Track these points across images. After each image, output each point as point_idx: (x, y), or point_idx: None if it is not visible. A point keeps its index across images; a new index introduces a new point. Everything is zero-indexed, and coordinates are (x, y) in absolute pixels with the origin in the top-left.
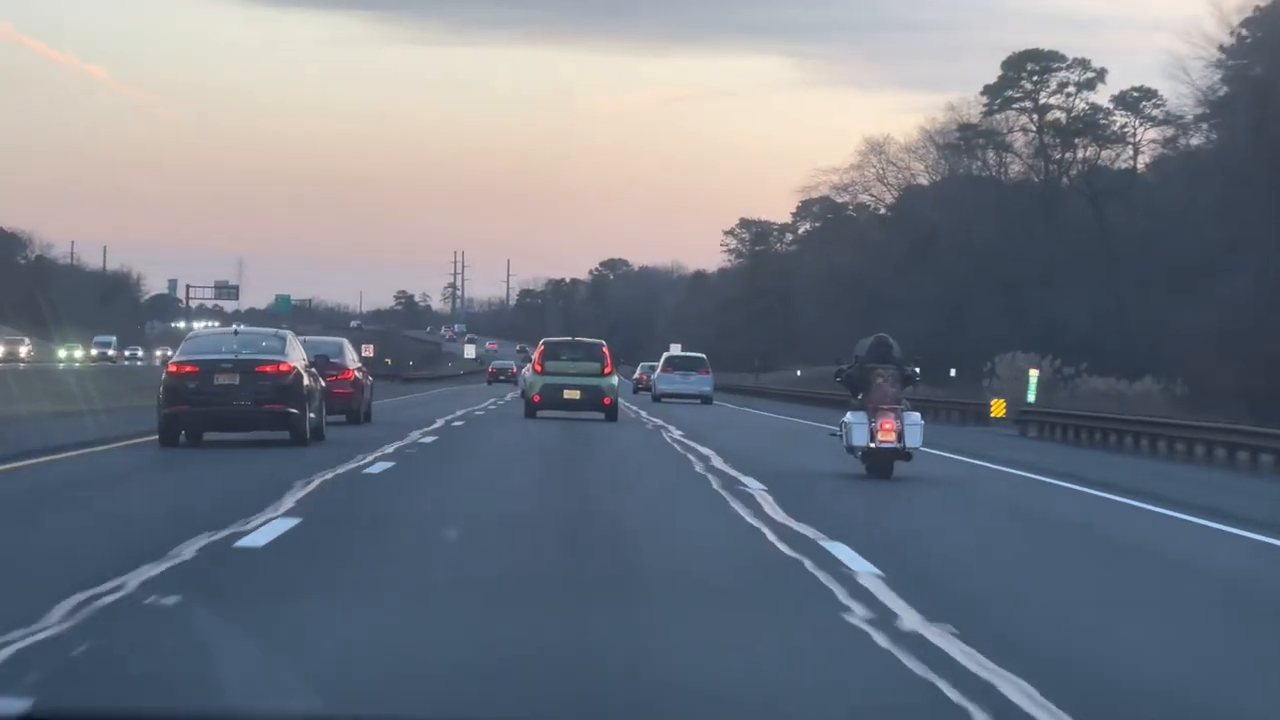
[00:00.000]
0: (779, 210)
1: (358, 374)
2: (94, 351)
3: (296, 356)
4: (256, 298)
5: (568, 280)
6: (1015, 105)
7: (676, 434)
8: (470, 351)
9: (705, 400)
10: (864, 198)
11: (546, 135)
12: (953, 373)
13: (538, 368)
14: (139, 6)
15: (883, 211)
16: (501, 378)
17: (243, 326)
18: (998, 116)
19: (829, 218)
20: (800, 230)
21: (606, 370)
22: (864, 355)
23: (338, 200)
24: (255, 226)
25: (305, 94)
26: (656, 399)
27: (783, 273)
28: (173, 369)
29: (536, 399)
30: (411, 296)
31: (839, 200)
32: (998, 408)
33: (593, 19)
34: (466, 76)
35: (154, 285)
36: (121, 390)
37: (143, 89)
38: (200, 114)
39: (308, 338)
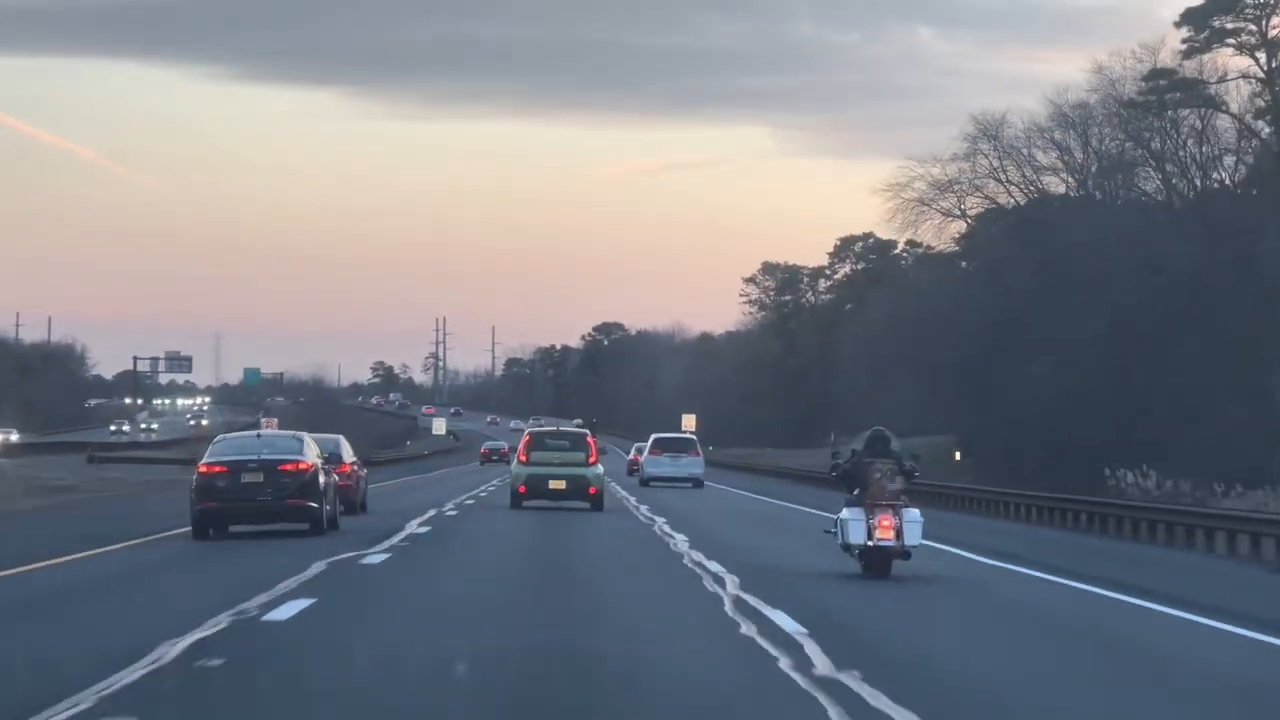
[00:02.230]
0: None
1: (354, 467)
2: None
3: (313, 455)
4: (232, 372)
5: (558, 348)
6: (1230, 40)
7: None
8: (440, 426)
9: (696, 484)
10: (973, 200)
11: (531, 203)
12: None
13: (522, 458)
14: (119, 83)
15: (957, 240)
16: (494, 458)
17: (264, 430)
18: (1192, 61)
19: (872, 259)
20: (838, 274)
21: (591, 460)
22: (861, 449)
23: (315, 271)
24: (232, 299)
25: (282, 167)
26: (644, 483)
27: (818, 324)
28: (203, 469)
29: (522, 489)
30: (391, 368)
31: (944, 203)
32: None
33: (564, 92)
34: (444, 147)
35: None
36: None
37: (122, 163)
38: (176, 188)
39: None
